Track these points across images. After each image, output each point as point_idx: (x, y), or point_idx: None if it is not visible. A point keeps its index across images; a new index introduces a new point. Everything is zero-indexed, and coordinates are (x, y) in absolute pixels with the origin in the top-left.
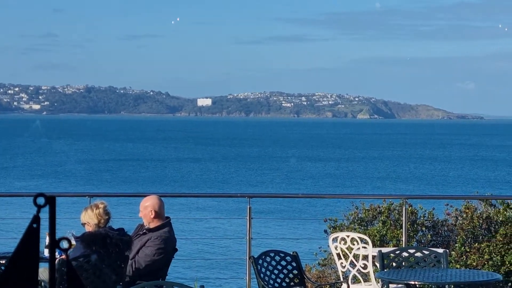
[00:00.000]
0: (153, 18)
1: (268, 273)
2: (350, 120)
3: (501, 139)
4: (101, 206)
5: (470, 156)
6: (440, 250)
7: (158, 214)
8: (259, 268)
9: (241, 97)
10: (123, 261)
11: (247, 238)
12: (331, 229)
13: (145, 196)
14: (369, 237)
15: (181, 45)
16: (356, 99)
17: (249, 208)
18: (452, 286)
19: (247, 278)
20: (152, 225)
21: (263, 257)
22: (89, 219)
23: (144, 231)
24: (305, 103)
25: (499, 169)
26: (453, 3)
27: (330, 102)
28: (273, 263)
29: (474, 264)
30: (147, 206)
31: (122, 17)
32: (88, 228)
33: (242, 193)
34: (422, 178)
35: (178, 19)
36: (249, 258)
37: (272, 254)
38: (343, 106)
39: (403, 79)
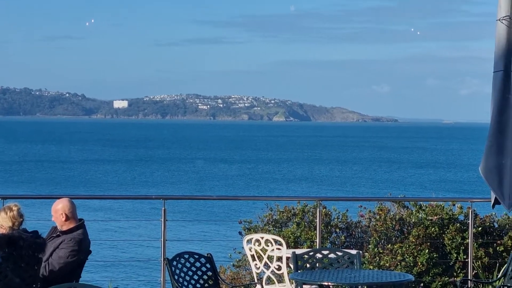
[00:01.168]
0: (71, 20)
1: (182, 274)
2: (266, 122)
3: (414, 141)
4: (14, 208)
5: (383, 158)
6: (354, 251)
7: (70, 217)
8: (173, 269)
9: (158, 99)
10: (37, 264)
11: (162, 240)
12: (246, 230)
13: (58, 198)
14: (283, 239)
15: (99, 47)
16: (272, 101)
17: (164, 210)
18: (365, 287)
19: (162, 280)
20: (65, 228)
21: (178, 258)
22: (3, 221)
23: (58, 233)
24: (221, 105)
25: (412, 171)
26: (369, 7)
27: (246, 105)
28: (188, 264)
29: (387, 265)
30: (57, 210)
31: (39, 19)
32: (2, 231)
33: (157, 195)
34: (336, 180)
35: (92, 20)
36: (164, 260)
37: (186, 256)
38: (259, 108)
39: (319, 82)
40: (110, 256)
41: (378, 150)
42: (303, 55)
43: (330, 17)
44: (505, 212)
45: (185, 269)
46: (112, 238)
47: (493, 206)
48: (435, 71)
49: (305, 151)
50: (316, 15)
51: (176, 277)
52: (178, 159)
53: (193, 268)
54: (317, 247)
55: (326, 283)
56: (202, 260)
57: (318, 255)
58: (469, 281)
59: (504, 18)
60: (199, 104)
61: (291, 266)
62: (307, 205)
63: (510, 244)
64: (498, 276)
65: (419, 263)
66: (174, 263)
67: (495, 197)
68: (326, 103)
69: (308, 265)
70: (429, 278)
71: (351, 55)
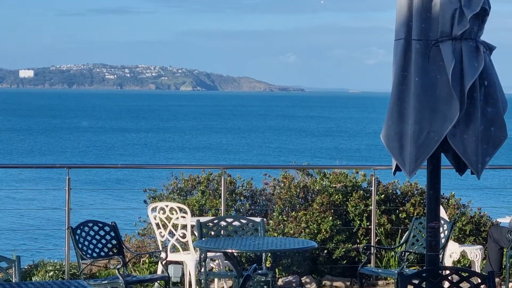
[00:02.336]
0: None
1: (86, 243)
2: (173, 92)
3: (320, 110)
4: None
5: (288, 127)
6: (258, 219)
7: None
8: (77, 238)
9: (64, 68)
10: None
11: (66, 208)
12: (151, 199)
13: None
14: (188, 207)
15: (3, 16)
16: (179, 71)
17: (68, 179)
18: (268, 254)
19: (66, 248)
20: None
21: (82, 227)
22: None
23: None
24: (128, 75)
25: (317, 139)
26: None
27: (153, 74)
28: (92, 233)
29: (291, 232)
30: None
31: None
32: None
33: (61, 163)
34: (241, 148)
35: None
36: (68, 228)
37: (90, 224)
38: (166, 78)
39: (226, 52)
40: (13, 225)
41: (284, 119)
42: (210, 25)
43: None
44: (407, 179)
45: (89, 238)
46: (15, 207)
47: (394, 173)
48: (342, 42)
49: (211, 120)
50: None
51: (80, 245)
52: (84, 128)
53: (97, 237)
54: (222, 215)
55: (230, 250)
56: (107, 228)
57: (223, 223)
58: (372, 247)
59: None
60: (106, 74)
61: (196, 234)
62: (212, 174)
63: (412, 211)
64: (400, 242)
65: (323, 230)
66: (78, 231)
67: (396, 164)
68: (233, 73)
69: (212, 233)
70: (333, 245)
71: (258, 25)
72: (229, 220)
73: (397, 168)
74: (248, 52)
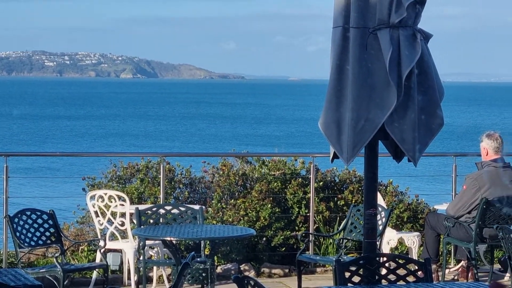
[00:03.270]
0: None
1: (24, 231)
2: (113, 79)
3: (259, 98)
4: None
5: (228, 115)
6: (197, 207)
7: None
8: (15, 226)
9: (3, 55)
10: None
11: (4, 197)
12: (89, 187)
13: None
14: (127, 195)
15: None
16: (120, 58)
17: (6, 167)
18: (207, 242)
19: (4, 237)
20: None
21: (19, 215)
22: None
23: None
24: (68, 62)
25: (256, 126)
26: None
27: (93, 62)
28: (29, 221)
29: (230, 219)
30: None
31: None
32: None
33: None
34: (180, 136)
35: None
36: (5, 217)
37: (28, 213)
38: (106, 65)
39: (167, 39)
40: None
41: (224, 106)
42: (151, 12)
43: None
44: (345, 166)
45: (27, 226)
46: None
47: (332, 160)
48: (282, 29)
49: (151, 107)
50: None
51: (18, 234)
52: (22, 115)
53: (35, 225)
54: (161, 203)
55: (168, 238)
56: (45, 216)
57: (161, 211)
58: (310, 235)
59: None
60: (46, 61)
61: (135, 222)
62: (150, 161)
63: (350, 198)
64: (338, 230)
65: (262, 218)
66: (16, 220)
67: (334, 152)
68: (174, 60)
69: (151, 221)
70: (272, 232)
71: (199, 12)
72: (168, 208)
73: (335, 156)
74: (188, 39)
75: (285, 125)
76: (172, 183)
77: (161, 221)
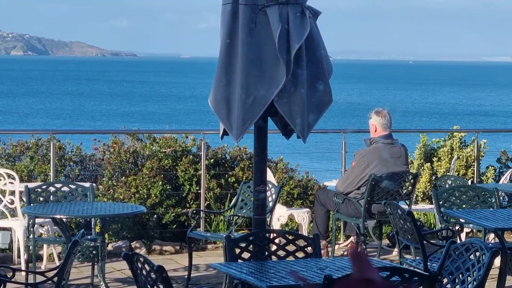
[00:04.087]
0: None
1: None
2: (3, 56)
3: (151, 75)
4: None
5: (119, 92)
6: (87, 184)
7: None
8: None
9: None
10: None
11: None
12: None
13: None
14: (17, 173)
15: None
16: (10, 35)
17: None
18: (97, 219)
19: None
20: None
21: None
22: None
23: None
24: None
25: (147, 104)
26: None
27: None
28: None
29: (121, 197)
30: None
31: None
32: None
33: None
34: (71, 113)
35: None
36: None
37: None
38: None
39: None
40: None
41: (115, 84)
42: None
43: None
44: (236, 143)
45: None
46: None
47: (222, 137)
48: (173, 5)
49: (41, 85)
50: None
51: None
52: None
53: None
54: (51, 181)
55: (58, 216)
56: None
57: (52, 189)
58: (201, 212)
59: None
60: None
61: (24, 200)
62: (40, 139)
63: (241, 175)
64: (229, 206)
65: (153, 195)
66: None
67: (224, 128)
68: (65, 38)
69: (41, 199)
70: (163, 209)
71: None
72: (58, 185)
73: (225, 133)
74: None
75: (176, 103)
76: (63, 161)
77: (51, 198)
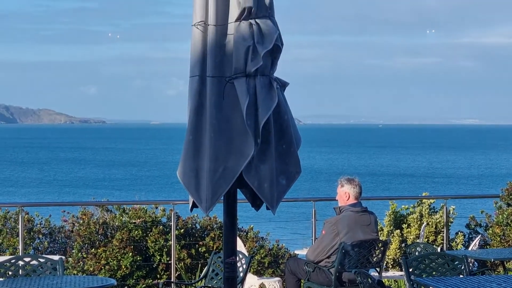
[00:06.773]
0: None
1: None
2: None
3: (119, 142)
4: None
5: (87, 159)
6: (56, 257)
7: None
8: None
9: None
10: None
11: None
12: None
13: None
14: None
15: None
16: None
17: None
18: None
19: None
20: None
21: None
22: None
23: None
24: None
25: (116, 171)
26: (73, 8)
27: None
28: None
29: (91, 269)
30: None
31: None
32: None
33: None
34: (39, 183)
35: None
36: None
37: None
38: None
39: (25, 84)
40: None
41: (83, 151)
42: (7, 56)
43: (34, 18)
44: (206, 215)
45: None
46: None
47: (191, 209)
48: (142, 73)
49: (8, 154)
50: (19, 15)
51: None
52: None
53: None
54: (20, 254)
55: None
56: None
57: (20, 263)
58: (172, 283)
59: (199, 23)
60: None
61: None
62: (8, 212)
63: (211, 245)
64: (200, 277)
65: (123, 266)
66: None
67: (193, 201)
68: (33, 105)
69: (10, 273)
70: (133, 281)
71: (56, 56)
72: (27, 259)
73: (194, 205)
74: (47, 83)
75: (144, 169)
76: (31, 234)
77: (20, 273)
